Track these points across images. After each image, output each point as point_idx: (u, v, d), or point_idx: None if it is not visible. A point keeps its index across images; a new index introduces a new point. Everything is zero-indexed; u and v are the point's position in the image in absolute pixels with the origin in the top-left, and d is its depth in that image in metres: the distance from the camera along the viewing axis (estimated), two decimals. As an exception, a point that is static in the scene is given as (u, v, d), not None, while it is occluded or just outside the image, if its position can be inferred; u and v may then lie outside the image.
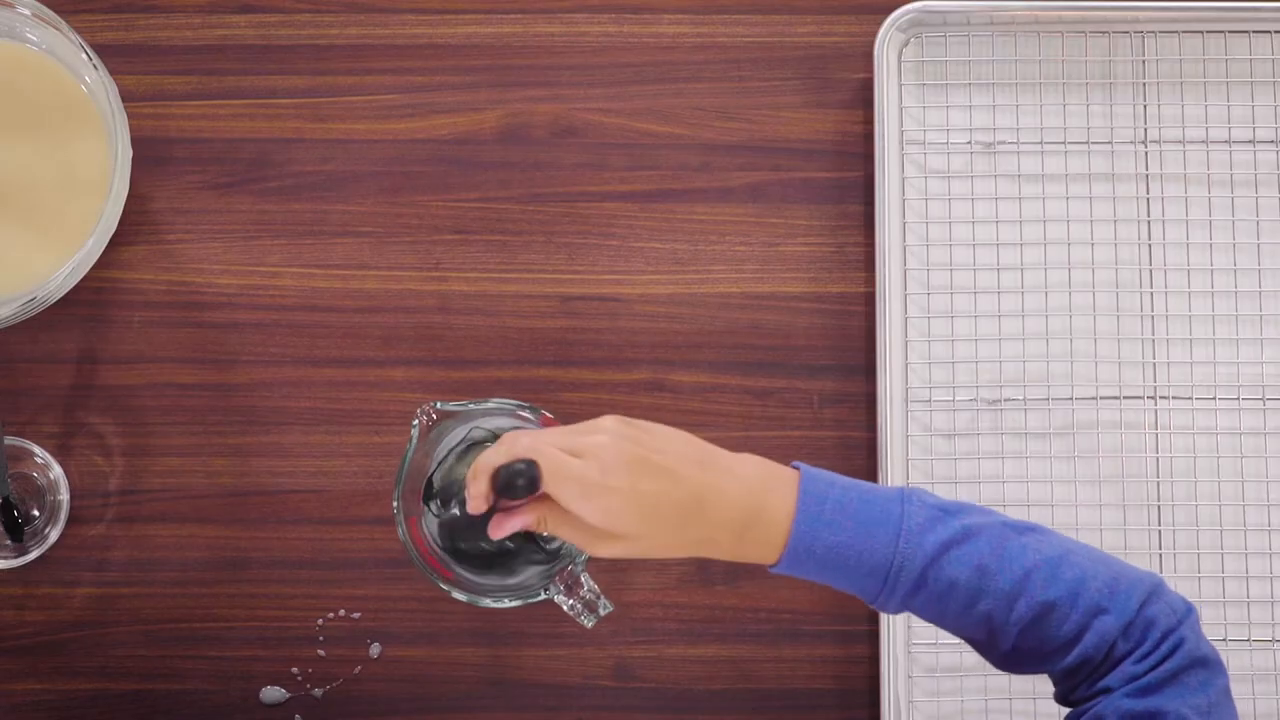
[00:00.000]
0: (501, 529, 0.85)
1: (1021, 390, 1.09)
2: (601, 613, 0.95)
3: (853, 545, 0.84)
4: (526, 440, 0.84)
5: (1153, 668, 0.81)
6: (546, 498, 0.84)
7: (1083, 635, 0.83)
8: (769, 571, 0.86)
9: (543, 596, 0.93)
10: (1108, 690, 0.82)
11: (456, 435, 0.99)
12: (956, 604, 0.84)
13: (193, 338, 1.09)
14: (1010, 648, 0.84)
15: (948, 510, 0.85)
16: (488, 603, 0.93)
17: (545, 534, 0.90)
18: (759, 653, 1.08)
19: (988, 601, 0.83)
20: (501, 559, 0.97)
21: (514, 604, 0.94)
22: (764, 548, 0.85)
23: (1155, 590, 0.84)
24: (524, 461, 0.83)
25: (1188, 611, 0.84)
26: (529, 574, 0.96)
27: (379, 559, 1.07)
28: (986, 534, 0.84)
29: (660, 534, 0.84)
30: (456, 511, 0.97)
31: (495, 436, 0.99)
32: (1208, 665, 0.82)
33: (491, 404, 0.95)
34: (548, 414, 0.95)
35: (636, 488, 0.83)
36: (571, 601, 0.94)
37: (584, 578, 0.93)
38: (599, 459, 0.83)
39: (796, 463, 0.87)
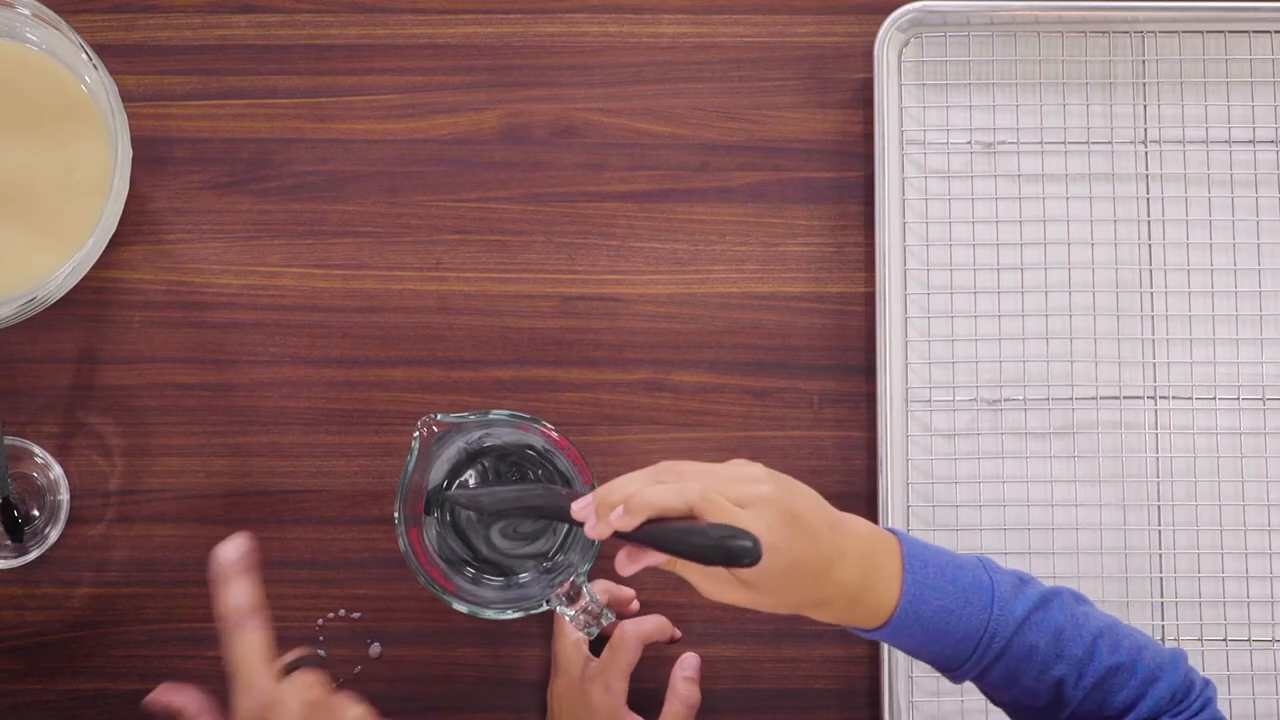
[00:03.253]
0: (634, 566, 0.82)
1: (1021, 390, 1.09)
2: (604, 623, 0.95)
3: (953, 610, 0.85)
4: (697, 489, 0.80)
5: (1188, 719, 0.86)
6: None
7: (1140, 702, 0.86)
8: (863, 636, 0.87)
9: (545, 608, 0.93)
10: None
11: (457, 446, 0.99)
12: (1033, 669, 0.86)
13: (193, 338, 1.09)
14: (1070, 714, 0.86)
15: (1021, 578, 0.88)
16: (490, 614, 0.94)
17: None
18: (759, 653, 1.08)
19: (1061, 666, 0.86)
20: (503, 567, 0.97)
21: (516, 615, 0.94)
22: (873, 611, 0.85)
23: (1187, 662, 0.89)
24: (750, 539, 0.78)
25: (1207, 682, 0.89)
26: (530, 584, 0.97)
27: (379, 559, 1.08)
28: (1058, 600, 0.87)
29: (790, 592, 0.83)
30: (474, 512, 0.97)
31: (491, 450, 0.99)
32: None
33: (492, 415, 0.95)
34: (548, 425, 0.95)
35: (791, 547, 0.81)
36: (574, 613, 0.94)
37: (586, 589, 0.93)
38: (764, 515, 0.81)
39: (890, 526, 0.89)
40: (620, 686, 1.00)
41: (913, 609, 0.84)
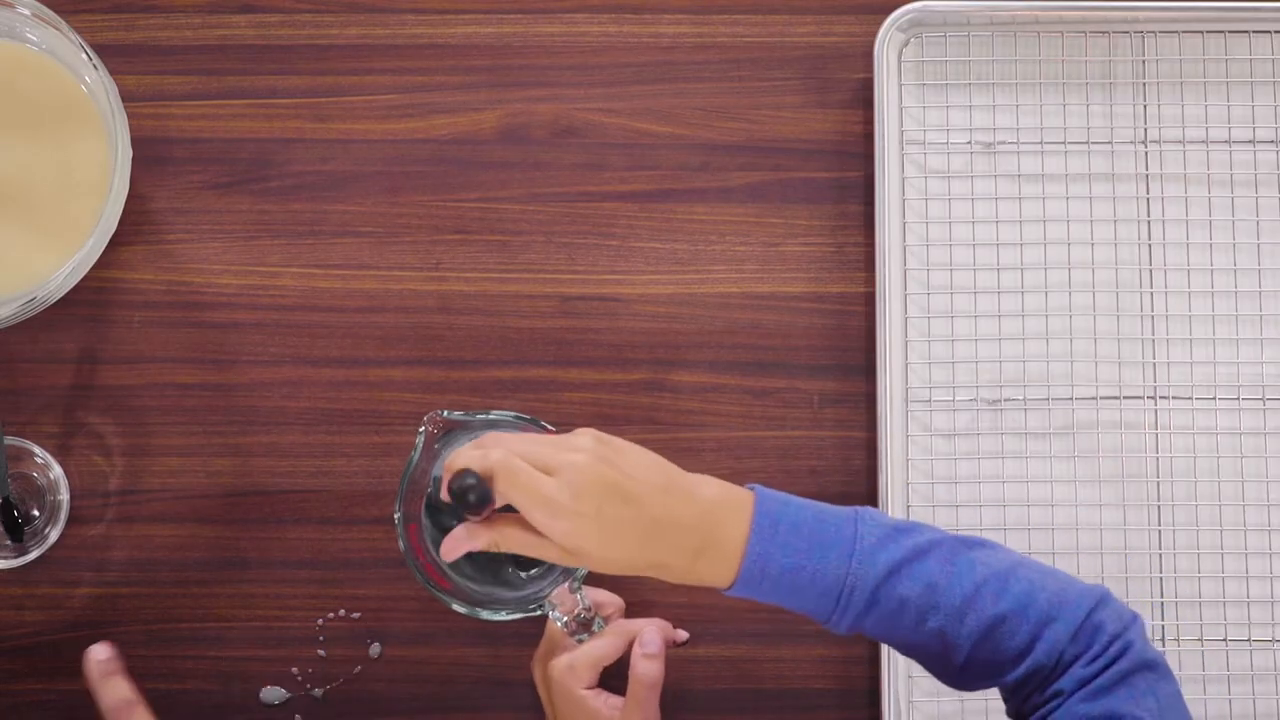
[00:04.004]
0: (454, 552, 0.85)
1: (1021, 390, 1.09)
2: (595, 629, 0.95)
3: (806, 566, 0.84)
4: (499, 453, 0.83)
5: (1103, 669, 0.82)
6: (505, 513, 0.83)
7: (1034, 645, 0.84)
8: (723, 595, 0.86)
9: (539, 613, 0.94)
10: (1060, 694, 0.83)
11: (459, 445, 0.99)
12: (907, 621, 0.85)
13: (193, 338, 1.09)
14: (964, 662, 0.85)
15: (900, 529, 0.86)
16: (486, 615, 0.94)
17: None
18: (759, 653, 1.08)
19: (938, 618, 0.84)
20: (497, 568, 0.97)
21: (512, 617, 0.94)
22: (718, 570, 0.85)
23: (1103, 599, 0.85)
24: (474, 476, 0.82)
25: (1134, 618, 0.85)
26: (526, 586, 0.97)
27: (379, 559, 1.08)
28: (936, 551, 0.85)
29: (617, 554, 0.84)
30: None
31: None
32: (1155, 669, 0.83)
33: (494, 415, 0.95)
34: (549, 426, 0.95)
35: (602, 512, 0.83)
36: (566, 619, 0.94)
37: (579, 595, 0.94)
38: (571, 482, 0.82)
39: (752, 484, 0.87)
40: (585, 673, 0.98)
41: (758, 568, 0.84)
